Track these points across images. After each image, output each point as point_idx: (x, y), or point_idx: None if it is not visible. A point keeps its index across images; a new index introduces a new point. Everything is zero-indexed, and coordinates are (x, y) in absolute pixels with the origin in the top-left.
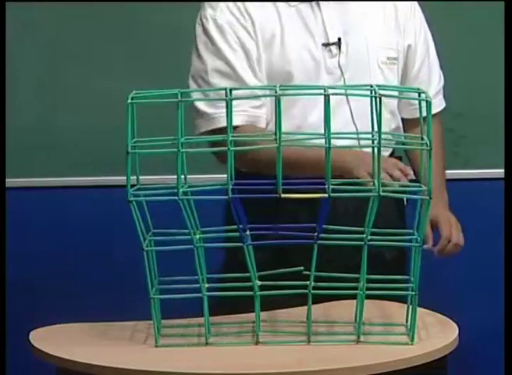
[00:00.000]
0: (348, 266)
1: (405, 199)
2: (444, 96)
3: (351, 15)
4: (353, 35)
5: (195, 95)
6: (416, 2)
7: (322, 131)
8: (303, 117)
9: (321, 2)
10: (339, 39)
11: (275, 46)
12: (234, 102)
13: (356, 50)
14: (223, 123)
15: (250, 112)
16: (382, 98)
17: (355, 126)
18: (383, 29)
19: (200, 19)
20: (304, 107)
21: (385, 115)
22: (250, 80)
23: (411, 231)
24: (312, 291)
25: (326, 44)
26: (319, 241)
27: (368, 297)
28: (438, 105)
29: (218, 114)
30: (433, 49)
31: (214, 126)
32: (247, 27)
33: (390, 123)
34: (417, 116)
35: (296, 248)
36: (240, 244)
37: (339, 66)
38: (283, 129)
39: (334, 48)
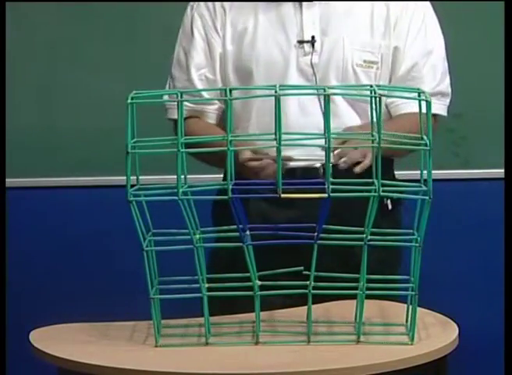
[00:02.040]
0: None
1: (389, 203)
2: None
3: (334, 15)
4: (331, 35)
5: (166, 84)
6: (422, 4)
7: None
8: (271, 119)
9: (304, 2)
10: (313, 37)
11: (246, 38)
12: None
13: (330, 50)
14: (168, 115)
15: (190, 107)
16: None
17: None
18: (366, 31)
19: (186, 10)
20: (272, 108)
21: (353, 115)
22: (195, 78)
23: (410, 231)
24: (312, 291)
25: (300, 42)
26: (319, 241)
27: (368, 297)
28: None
29: (169, 105)
30: (439, 53)
31: (168, 116)
32: (216, 22)
33: (357, 122)
34: (400, 112)
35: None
36: (240, 244)
37: (312, 64)
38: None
39: (307, 47)
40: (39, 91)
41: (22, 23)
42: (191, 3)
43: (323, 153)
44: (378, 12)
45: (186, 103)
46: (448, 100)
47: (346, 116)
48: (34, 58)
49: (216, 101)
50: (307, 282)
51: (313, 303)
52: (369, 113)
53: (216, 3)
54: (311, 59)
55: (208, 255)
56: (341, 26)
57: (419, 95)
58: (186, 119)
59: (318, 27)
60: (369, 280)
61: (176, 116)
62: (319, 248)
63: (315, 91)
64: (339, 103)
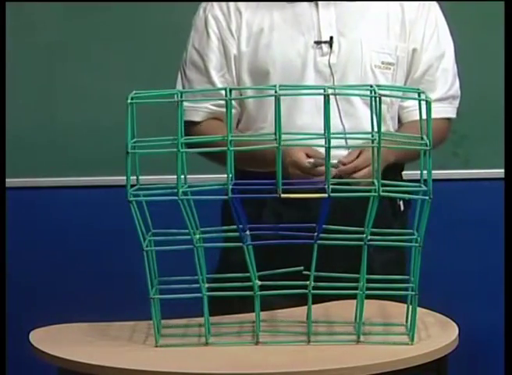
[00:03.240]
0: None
1: (401, 204)
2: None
3: (350, 16)
4: (348, 36)
5: (179, 85)
6: (433, 6)
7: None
8: (287, 119)
9: (320, 2)
10: (331, 38)
11: (262, 40)
12: (196, 99)
13: (348, 51)
14: (189, 117)
15: (210, 110)
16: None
17: (343, 126)
18: (383, 32)
19: (198, 11)
20: (288, 109)
21: (387, 121)
22: (217, 80)
23: (411, 231)
24: (312, 291)
25: (318, 42)
26: (319, 241)
27: (368, 297)
28: (438, 111)
29: (189, 107)
30: (450, 57)
31: (188, 118)
32: (230, 25)
33: (389, 128)
34: (411, 119)
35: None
36: (240, 244)
37: (329, 64)
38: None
39: (325, 47)
40: (39, 91)
41: (22, 23)
42: (203, 4)
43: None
44: (394, 13)
45: (207, 106)
46: (458, 102)
47: (364, 117)
48: (34, 58)
49: (235, 105)
50: (307, 282)
51: (313, 303)
52: (386, 115)
53: (230, 4)
54: (329, 60)
55: (217, 261)
56: (357, 27)
57: (419, 95)
58: (201, 121)
59: (334, 28)
60: (369, 280)
61: (196, 119)
62: (341, 250)
63: (321, 91)
64: (357, 104)
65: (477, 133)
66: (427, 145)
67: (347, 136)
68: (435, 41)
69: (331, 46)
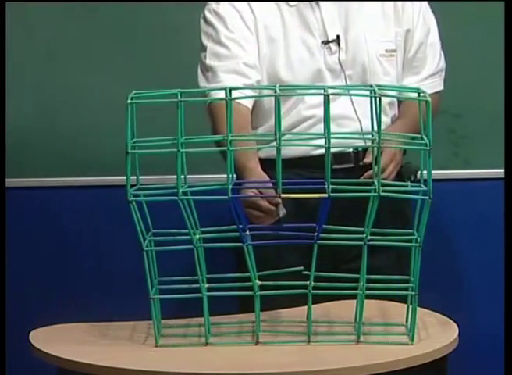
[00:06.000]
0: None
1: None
2: (445, 80)
3: (350, 12)
4: (352, 31)
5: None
6: None
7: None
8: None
9: (320, 2)
10: (338, 36)
11: (279, 45)
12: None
13: (355, 46)
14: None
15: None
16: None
17: (355, 111)
18: (381, 22)
19: (203, 13)
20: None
21: (384, 105)
22: (248, 60)
23: (411, 231)
24: (312, 291)
25: (326, 42)
26: (319, 241)
27: (368, 297)
28: (432, 86)
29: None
30: (434, 31)
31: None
32: (246, 21)
33: (389, 112)
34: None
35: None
36: (240, 244)
37: (340, 62)
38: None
39: (333, 46)
40: (39, 91)
41: (22, 22)
42: (213, 5)
43: (353, 140)
44: (388, 6)
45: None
46: (444, 73)
47: (342, 103)
48: (34, 58)
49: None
50: (308, 282)
51: (314, 303)
52: (386, 106)
53: (245, 6)
54: (339, 57)
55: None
56: (358, 20)
57: (419, 95)
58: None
59: (338, 25)
60: (369, 280)
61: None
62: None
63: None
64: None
65: (477, 133)
66: (427, 145)
67: (348, 136)
68: (422, 20)
69: (338, 44)
